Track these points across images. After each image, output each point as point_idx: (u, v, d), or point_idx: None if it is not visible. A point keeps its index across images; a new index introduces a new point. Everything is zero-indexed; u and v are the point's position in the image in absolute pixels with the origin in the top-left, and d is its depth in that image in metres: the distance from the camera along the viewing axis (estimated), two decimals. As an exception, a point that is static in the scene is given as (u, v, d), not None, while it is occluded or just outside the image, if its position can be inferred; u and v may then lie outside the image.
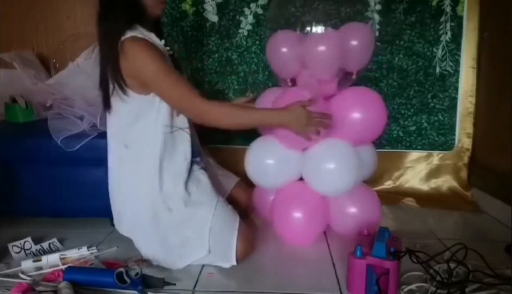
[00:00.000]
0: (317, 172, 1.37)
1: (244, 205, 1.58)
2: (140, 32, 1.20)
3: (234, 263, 1.24)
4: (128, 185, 1.27)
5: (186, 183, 1.28)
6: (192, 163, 1.32)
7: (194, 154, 1.33)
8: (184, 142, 1.29)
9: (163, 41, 1.28)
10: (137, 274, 1.06)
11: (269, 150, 1.42)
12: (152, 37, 1.24)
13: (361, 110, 1.36)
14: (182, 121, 1.29)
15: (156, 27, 1.30)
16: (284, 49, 1.44)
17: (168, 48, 1.31)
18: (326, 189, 1.39)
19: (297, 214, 1.36)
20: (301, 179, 1.44)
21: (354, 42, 1.36)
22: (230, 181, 1.60)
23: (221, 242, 1.24)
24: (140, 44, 1.17)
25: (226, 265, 1.24)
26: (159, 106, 1.23)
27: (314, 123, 1.25)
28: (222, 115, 1.23)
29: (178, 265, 1.24)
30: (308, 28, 1.39)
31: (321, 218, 1.41)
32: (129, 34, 1.17)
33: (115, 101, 1.24)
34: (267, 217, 1.54)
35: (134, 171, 1.26)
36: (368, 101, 1.40)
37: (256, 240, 1.38)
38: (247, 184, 1.69)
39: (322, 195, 1.40)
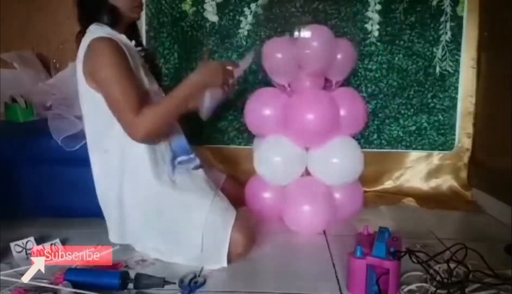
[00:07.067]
0: (325, 166, 1.54)
1: (234, 198, 1.58)
2: (109, 33, 1.21)
3: (225, 264, 1.20)
4: (117, 192, 1.26)
5: (175, 181, 1.27)
6: (180, 162, 1.33)
7: (177, 153, 1.33)
8: (160, 145, 1.28)
9: (133, 42, 1.30)
10: (137, 274, 1.06)
11: (277, 148, 1.56)
12: (122, 39, 1.25)
13: (350, 107, 1.55)
14: None
15: (131, 27, 1.33)
16: (279, 55, 1.55)
17: (139, 48, 1.33)
18: (334, 180, 1.55)
19: (307, 206, 1.49)
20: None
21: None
22: (219, 176, 1.62)
23: (214, 239, 1.20)
24: (104, 45, 1.17)
25: (217, 266, 1.20)
26: None
27: (224, 74, 1.29)
28: (149, 125, 1.17)
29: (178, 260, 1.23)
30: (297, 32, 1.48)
31: (329, 207, 1.53)
32: (98, 34, 1.19)
33: (88, 103, 1.25)
34: (259, 213, 1.61)
35: (120, 177, 1.26)
36: (355, 99, 1.59)
37: (257, 235, 1.38)
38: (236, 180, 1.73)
39: (327, 187, 1.55)
